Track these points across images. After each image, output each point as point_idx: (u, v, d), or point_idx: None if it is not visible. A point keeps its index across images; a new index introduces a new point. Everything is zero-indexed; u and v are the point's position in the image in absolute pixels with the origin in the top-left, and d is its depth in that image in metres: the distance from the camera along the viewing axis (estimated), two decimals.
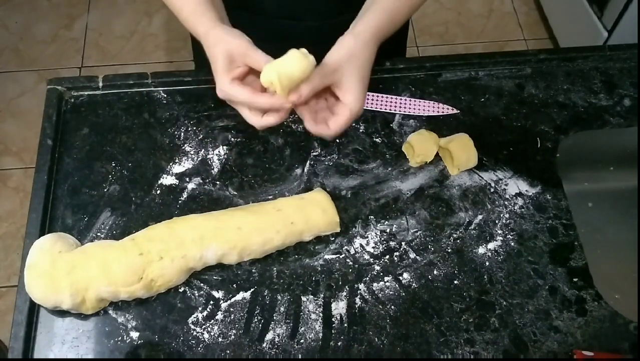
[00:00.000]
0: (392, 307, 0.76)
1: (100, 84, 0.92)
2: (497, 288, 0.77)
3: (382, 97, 0.91)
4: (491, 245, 0.80)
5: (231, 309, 0.75)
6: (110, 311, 0.74)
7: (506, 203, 0.84)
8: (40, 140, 0.86)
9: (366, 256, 0.79)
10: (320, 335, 0.74)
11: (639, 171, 0.94)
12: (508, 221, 0.82)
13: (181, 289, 0.76)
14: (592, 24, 1.82)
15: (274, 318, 0.75)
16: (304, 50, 0.66)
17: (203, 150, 0.87)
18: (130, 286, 0.71)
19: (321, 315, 0.75)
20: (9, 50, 2.17)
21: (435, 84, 0.94)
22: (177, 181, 0.84)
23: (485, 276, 0.78)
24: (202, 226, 0.75)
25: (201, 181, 0.84)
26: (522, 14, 2.28)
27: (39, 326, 0.74)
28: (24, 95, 2.07)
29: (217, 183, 0.84)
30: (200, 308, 0.75)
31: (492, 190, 0.85)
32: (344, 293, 0.76)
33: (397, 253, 0.79)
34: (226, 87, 0.69)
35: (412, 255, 0.79)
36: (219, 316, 0.75)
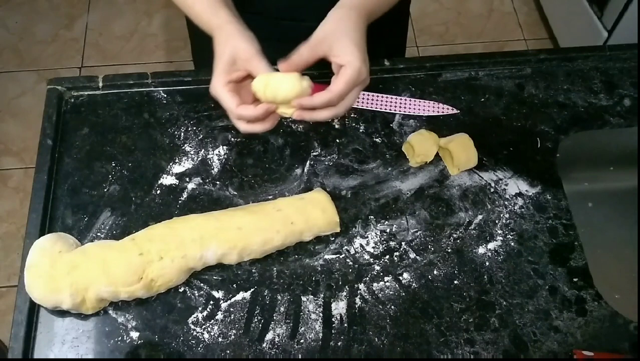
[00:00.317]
0: (392, 307, 0.76)
1: (100, 84, 0.92)
2: (497, 288, 0.77)
3: (382, 97, 0.92)
4: (491, 245, 0.80)
5: (231, 309, 0.75)
6: (110, 311, 0.74)
7: (506, 203, 0.84)
8: (40, 140, 0.86)
9: (366, 256, 0.79)
10: (320, 335, 0.74)
11: (639, 171, 0.94)
12: (508, 221, 0.82)
13: (181, 289, 0.76)
14: (592, 24, 1.81)
15: (274, 318, 0.75)
16: (305, 77, 0.67)
17: (203, 150, 0.87)
18: (130, 286, 0.71)
19: (321, 315, 0.75)
20: (9, 50, 2.17)
21: (435, 84, 0.94)
22: (177, 181, 0.84)
23: (485, 276, 0.78)
24: (202, 226, 0.75)
25: (201, 181, 0.84)
26: (522, 14, 2.28)
27: (39, 326, 0.74)
28: (24, 95, 2.07)
29: (217, 183, 0.84)
30: (200, 308, 0.75)
31: (492, 190, 0.85)
32: (344, 293, 0.76)
33: (397, 253, 0.79)
34: (219, 88, 0.69)
35: (412, 255, 0.79)
36: (219, 316, 0.75)
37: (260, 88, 0.67)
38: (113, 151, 0.87)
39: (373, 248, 0.80)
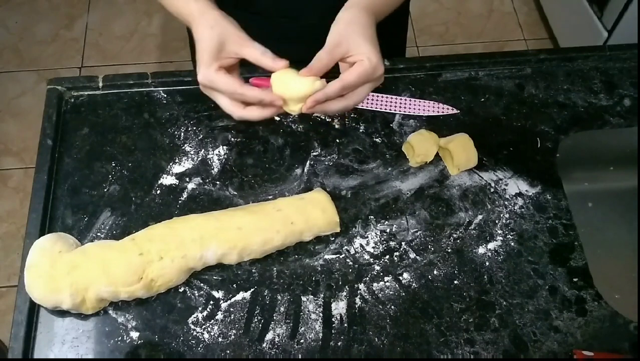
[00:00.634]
0: (392, 307, 0.76)
1: (100, 84, 0.92)
2: (497, 288, 0.77)
3: (382, 97, 0.92)
4: (491, 245, 0.80)
5: (231, 309, 0.75)
6: (110, 311, 0.74)
7: (506, 203, 0.84)
8: (40, 140, 0.86)
9: (366, 256, 0.79)
10: (320, 335, 0.74)
11: (639, 171, 0.94)
12: (508, 221, 0.82)
13: (181, 289, 0.76)
14: (592, 24, 1.81)
15: (274, 318, 0.75)
16: (321, 79, 0.67)
17: (203, 150, 0.87)
18: (130, 286, 0.71)
19: (321, 315, 0.75)
20: (9, 50, 2.17)
21: (435, 84, 0.94)
22: (177, 181, 0.84)
23: (485, 276, 0.78)
24: (202, 226, 0.75)
25: (201, 181, 0.84)
26: (522, 14, 2.28)
27: (39, 326, 0.74)
28: (24, 95, 2.07)
29: (217, 183, 0.84)
30: (200, 308, 0.75)
31: (492, 190, 0.85)
32: (344, 293, 0.76)
33: (397, 253, 0.79)
34: (212, 74, 0.67)
35: (412, 255, 0.79)
36: (219, 316, 0.75)
37: (274, 81, 0.66)
38: (113, 151, 0.87)
39: (373, 248, 0.80)
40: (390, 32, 0.99)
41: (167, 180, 0.84)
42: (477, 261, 0.79)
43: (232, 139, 0.88)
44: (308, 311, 0.75)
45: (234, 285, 0.77)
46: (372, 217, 0.82)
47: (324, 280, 0.77)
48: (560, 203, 0.84)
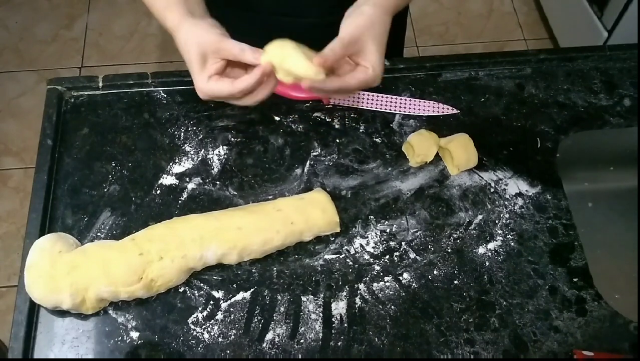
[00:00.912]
0: (392, 307, 0.76)
1: (100, 84, 0.92)
2: (497, 288, 0.77)
3: (382, 97, 0.92)
4: (491, 245, 0.80)
5: (231, 309, 0.75)
6: (110, 311, 0.74)
7: (506, 203, 0.84)
8: (40, 140, 0.86)
9: (366, 256, 0.79)
10: (320, 335, 0.74)
11: (639, 171, 0.94)
12: (508, 221, 0.82)
13: (181, 289, 0.76)
14: (592, 24, 1.81)
15: (274, 318, 0.75)
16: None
17: (203, 150, 0.87)
18: (130, 286, 0.71)
19: (321, 315, 0.75)
20: (9, 50, 2.17)
21: (435, 84, 0.94)
22: (177, 181, 0.84)
23: (485, 276, 0.78)
24: (202, 226, 0.75)
25: (201, 181, 0.84)
26: (522, 14, 2.28)
27: (39, 326, 0.74)
28: (24, 95, 2.07)
29: (217, 183, 0.84)
30: (200, 308, 0.75)
31: (492, 190, 0.85)
32: (344, 293, 0.76)
33: (397, 253, 0.79)
34: (205, 86, 0.68)
35: (412, 255, 0.79)
36: (219, 316, 0.75)
37: (272, 50, 0.66)
38: (113, 151, 0.87)
39: (373, 248, 0.80)
40: (390, 31, 0.99)
41: (167, 180, 0.84)
42: (477, 261, 0.79)
43: (232, 139, 0.88)
44: (308, 311, 0.75)
45: (234, 285, 0.77)
46: (372, 217, 0.82)
47: (324, 280, 0.77)
48: (560, 203, 0.84)
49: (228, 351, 0.72)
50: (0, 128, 2.00)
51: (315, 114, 0.90)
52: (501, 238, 0.81)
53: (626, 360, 0.73)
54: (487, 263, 0.79)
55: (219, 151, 0.87)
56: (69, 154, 0.86)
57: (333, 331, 0.74)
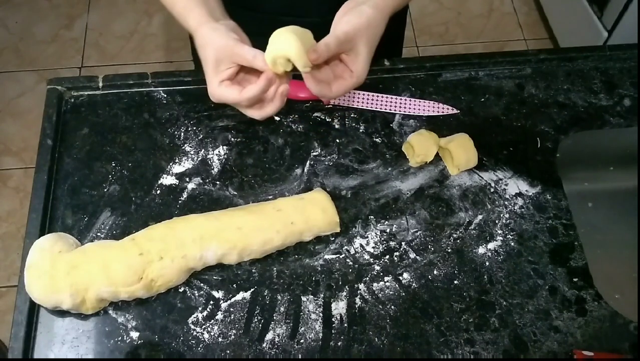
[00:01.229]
0: (392, 307, 0.76)
1: (100, 84, 0.92)
2: (497, 288, 0.77)
3: (382, 97, 0.92)
4: (491, 245, 0.80)
5: (231, 309, 0.75)
6: (110, 311, 0.74)
7: (506, 203, 0.84)
8: (40, 140, 0.86)
9: (366, 256, 0.79)
10: (320, 335, 0.74)
11: (639, 171, 0.94)
12: (508, 221, 0.82)
13: (181, 289, 0.76)
14: (592, 24, 1.81)
15: (274, 318, 0.75)
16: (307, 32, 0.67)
17: (203, 150, 0.87)
18: (130, 286, 0.71)
19: (321, 315, 0.75)
20: (9, 50, 2.17)
21: (435, 84, 0.94)
22: (177, 181, 0.84)
23: (485, 276, 0.78)
24: (202, 226, 0.75)
25: (201, 181, 0.84)
26: (522, 14, 2.28)
27: (39, 326, 0.74)
28: (24, 95, 2.07)
29: (217, 183, 0.84)
30: (200, 308, 0.75)
31: (492, 190, 0.85)
32: (344, 293, 0.76)
33: (397, 253, 0.79)
34: (216, 91, 0.69)
35: (412, 255, 0.79)
36: (219, 316, 0.75)
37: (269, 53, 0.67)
38: (113, 151, 0.87)
39: (373, 248, 0.80)
40: (388, 30, 0.99)
41: (167, 180, 0.84)
42: (477, 261, 0.79)
43: (232, 139, 0.88)
44: (308, 311, 0.75)
45: (234, 285, 0.77)
46: (372, 217, 0.82)
47: (324, 280, 0.77)
48: (560, 203, 0.84)
49: (228, 351, 0.72)
50: (0, 128, 2.00)
51: (315, 114, 0.90)
52: (501, 238, 0.81)
53: (626, 360, 0.73)
54: (487, 263, 0.79)
55: (219, 151, 0.87)
56: (69, 154, 0.86)
57: (333, 331, 0.74)
